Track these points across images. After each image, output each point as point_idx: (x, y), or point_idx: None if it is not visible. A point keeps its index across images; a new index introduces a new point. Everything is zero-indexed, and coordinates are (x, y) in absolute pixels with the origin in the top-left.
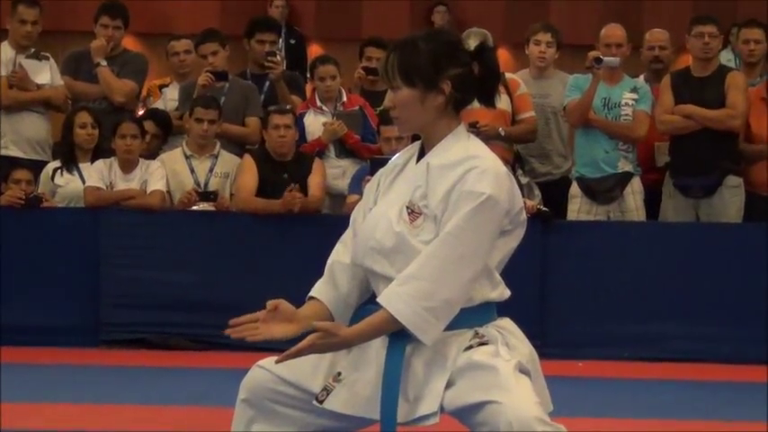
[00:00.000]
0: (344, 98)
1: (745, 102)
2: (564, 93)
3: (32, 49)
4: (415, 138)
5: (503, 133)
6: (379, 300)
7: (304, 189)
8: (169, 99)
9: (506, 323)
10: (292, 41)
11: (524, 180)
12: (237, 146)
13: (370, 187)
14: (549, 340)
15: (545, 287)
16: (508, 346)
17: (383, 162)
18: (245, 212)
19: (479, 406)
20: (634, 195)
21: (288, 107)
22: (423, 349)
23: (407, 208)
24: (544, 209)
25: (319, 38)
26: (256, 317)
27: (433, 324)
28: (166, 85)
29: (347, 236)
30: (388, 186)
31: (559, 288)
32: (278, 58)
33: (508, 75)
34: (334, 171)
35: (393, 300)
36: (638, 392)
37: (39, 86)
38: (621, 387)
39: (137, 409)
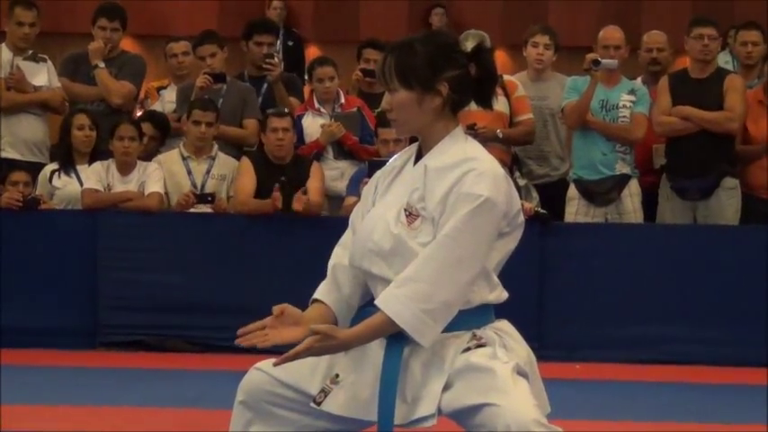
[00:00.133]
0: (342, 100)
1: (743, 104)
2: (562, 95)
3: (30, 51)
4: (412, 139)
5: (501, 135)
6: (376, 302)
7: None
8: (167, 101)
9: (504, 325)
10: (290, 43)
11: (522, 182)
12: (235, 148)
13: (367, 189)
14: (547, 342)
15: (543, 289)
16: (506, 348)
17: (381, 164)
18: (243, 214)
19: (477, 408)
20: (632, 197)
21: (286, 110)
22: (420, 351)
23: (405, 210)
24: (542, 211)
25: (317, 40)
26: (264, 323)
27: (431, 326)
28: (164, 87)
29: (347, 237)
30: (385, 188)
31: (557, 290)
32: (276, 60)
33: (506, 77)
34: (333, 173)
35: (391, 302)
36: (636, 395)
37: (36, 88)
38: (619, 389)
39: (134, 411)
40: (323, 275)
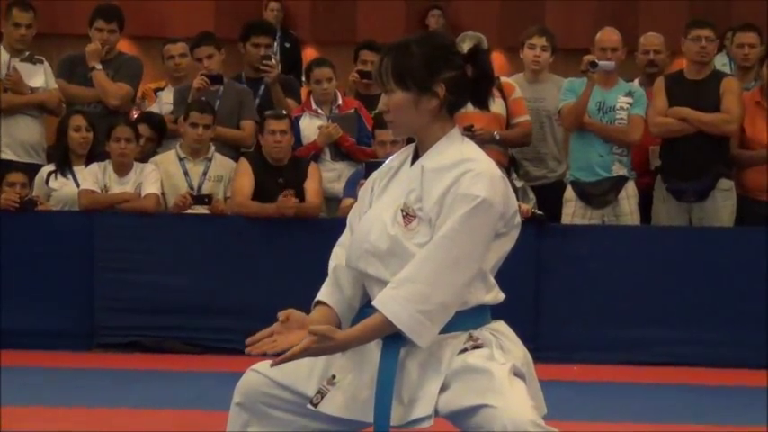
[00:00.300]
0: (340, 101)
1: (740, 107)
2: (558, 96)
3: (27, 53)
4: (409, 141)
5: (498, 137)
6: (374, 303)
7: (299, 194)
8: (164, 102)
9: (500, 326)
10: (287, 45)
11: (519, 184)
12: (232, 149)
13: (364, 190)
14: (544, 344)
15: (540, 291)
16: (502, 349)
17: (378, 165)
18: (241, 216)
19: (474, 409)
20: (628, 199)
21: (284, 112)
22: (417, 352)
23: (402, 211)
24: (539, 212)
25: (314, 41)
26: (271, 330)
27: (429, 327)
28: (161, 89)
29: (345, 238)
30: (382, 189)
31: (554, 292)
32: (273, 61)
33: (503, 79)
34: (330, 174)
35: (388, 303)
36: (633, 396)
37: (33, 90)
38: (616, 391)
39: (131, 412)
40: (320, 276)
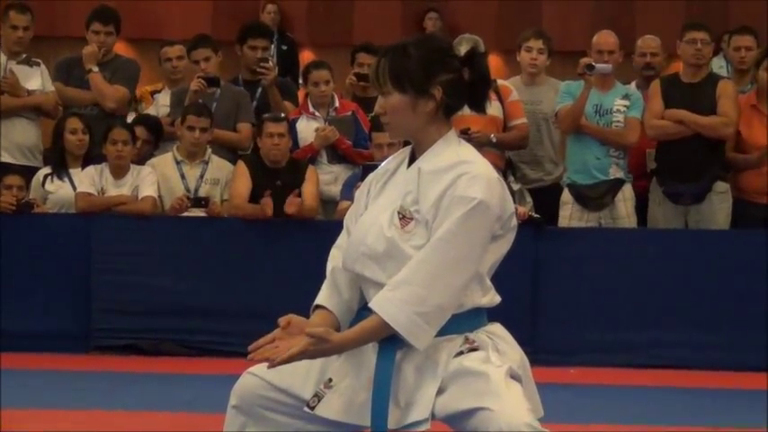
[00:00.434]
0: (337, 103)
1: (736, 110)
2: (555, 99)
3: (24, 55)
4: (406, 143)
5: (494, 140)
6: (371, 305)
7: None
8: (161, 105)
9: (496, 328)
10: (284, 47)
11: (516, 186)
12: (229, 152)
13: (360, 192)
14: (541, 346)
15: (536, 293)
16: (498, 352)
17: (375, 168)
18: (237, 218)
19: (471, 413)
20: (625, 202)
21: (282, 115)
22: (413, 355)
23: (398, 213)
24: (536, 215)
25: (311, 44)
26: (273, 336)
27: (426, 329)
28: (158, 91)
29: (342, 241)
30: (378, 191)
31: (551, 294)
32: (270, 64)
33: (500, 81)
34: (327, 177)
35: (385, 305)
36: (631, 399)
37: (29, 92)
38: (613, 394)
39: (128, 415)
40: (317, 279)
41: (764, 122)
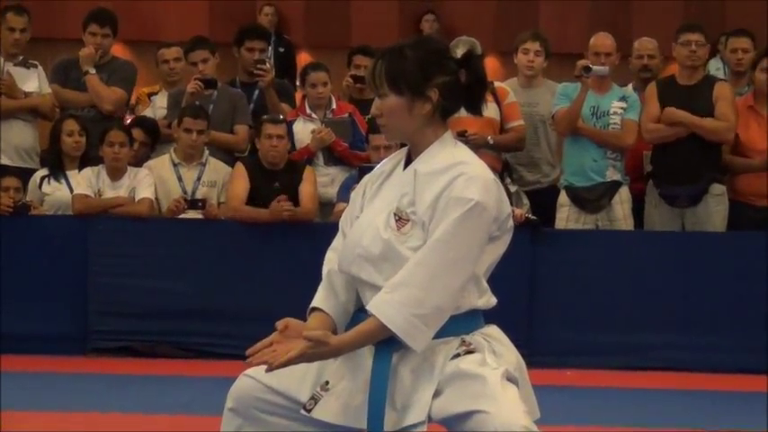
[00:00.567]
0: (334, 105)
1: (734, 113)
2: (552, 101)
3: (21, 57)
4: (403, 145)
5: (491, 142)
6: (368, 308)
7: (295, 198)
8: (158, 107)
9: (493, 330)
10: (281, 49)
11: (513, 188)
12: (226, 153)
13: (356, 194)
14: (538, 348)
15: (533, 295)
16: (495, 354)
17: (372, 170)
18: (235, 220)
19: (467, 415)
20: (622, 204)
21: (281, 117)
22: (410, 357)
23: (395, 215)
24: (532, 217)
25: (308, 45)
26: (270, 340)
27: (424, 331)
28: (155, 93)
29: (338, 243)
30: (374, 193)
31: (547, 296)
32: (267, 66)
33: (497, 83)
34: (323, 179)
35: (383, 307)
36: (627, 401)
37: (26, 94)
38: (610, 396)
39: (124, 417)
40: (314, 281)
41: (762, 124)
